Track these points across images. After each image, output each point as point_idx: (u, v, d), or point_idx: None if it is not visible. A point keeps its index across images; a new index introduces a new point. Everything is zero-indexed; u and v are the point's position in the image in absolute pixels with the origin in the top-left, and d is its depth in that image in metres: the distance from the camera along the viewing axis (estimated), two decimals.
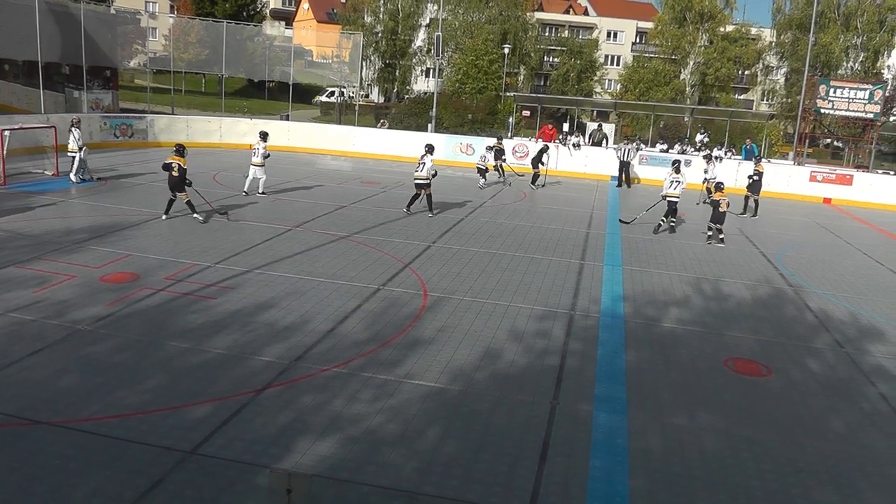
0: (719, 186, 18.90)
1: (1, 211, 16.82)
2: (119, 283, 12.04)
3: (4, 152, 20.47)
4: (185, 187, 16.87)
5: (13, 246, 13.99)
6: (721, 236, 18.44)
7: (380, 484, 6.67)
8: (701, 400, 9.04)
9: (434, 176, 19.33)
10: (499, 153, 28.11)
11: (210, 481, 6.50)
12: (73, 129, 21.11)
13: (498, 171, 28.02)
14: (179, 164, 16.79)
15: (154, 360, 9.06)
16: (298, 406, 8.02)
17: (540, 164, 27.17)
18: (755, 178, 23.68)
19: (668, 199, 19.46)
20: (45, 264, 12.84)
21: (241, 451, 7.01)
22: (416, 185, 19.45)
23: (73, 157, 21.01)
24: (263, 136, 20.95)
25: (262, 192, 20.73)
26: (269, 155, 20.84)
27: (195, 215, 16.98)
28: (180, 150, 17.13)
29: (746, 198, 23.92)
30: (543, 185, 27.53)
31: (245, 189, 20.76)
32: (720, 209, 18.47)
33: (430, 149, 19.72)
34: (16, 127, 21.98)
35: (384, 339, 10.20)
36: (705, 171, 26.30)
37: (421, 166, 19.29)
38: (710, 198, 19.53)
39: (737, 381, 9.76)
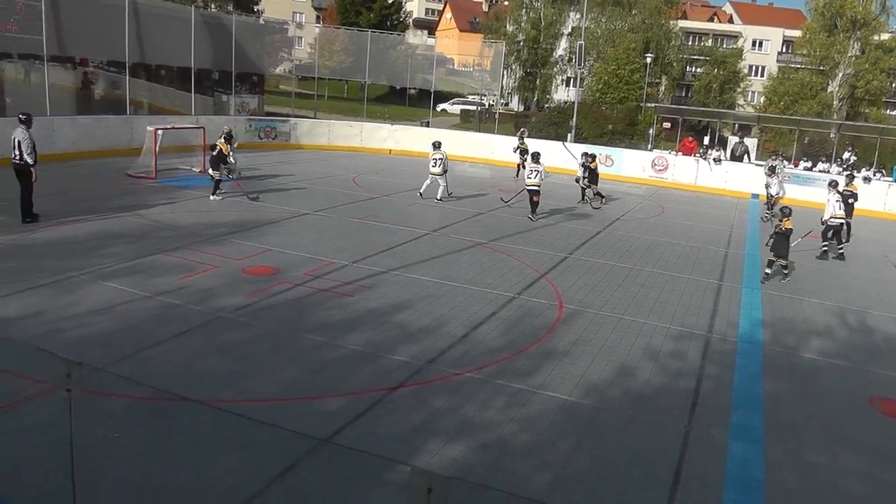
0: (786, 212, 15.89)
1: (151, 203, 17.84)
2: (259, 275, 12.48)
3: (157, 149, 21.63)
4: (220, 168, 19.19)
5: (161, 235, 14.82)
6: (786, 271, 15.88)
7: (513, 491, 6.56)
8: (842, 438, 8.44)
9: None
10: (523, 153, 27.67)
11: (341, 471, 6.59)
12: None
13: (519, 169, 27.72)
14: (221, 148, 19.17)
15: (290, 352, 9.31)
16: (430, 407, 8.03)
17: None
18: (850, 200, 20.45)
19: (830, 221, 18.40)
20: (190, 254, 13.49)
21: (373, 445, 7.06)
22: (531, 191, 19.88)
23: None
24: (437, 145, 21.38)
25: (440, 199, 21.25)
26: (446, 169, 21.51)
27: (212, 196, 19.05)
28: (228, 137, 19.69)
29: (847, 224, 20.00)
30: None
31: (420, 191, 21.60)
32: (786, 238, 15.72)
33: (537, 157, 20.17)
34: (168, 126, 23.18)
35: (518, 347, 10.11)
36: (767, 186, 24.61)
37: (535, 173, 19.71)
38: (773, 218, 16.68)
39: (883, 422, 9.05)
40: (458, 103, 58.21)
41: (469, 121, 51.50)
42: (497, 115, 41.34)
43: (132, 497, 6.14)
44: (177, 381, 8.11)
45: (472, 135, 37.46)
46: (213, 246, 14.23)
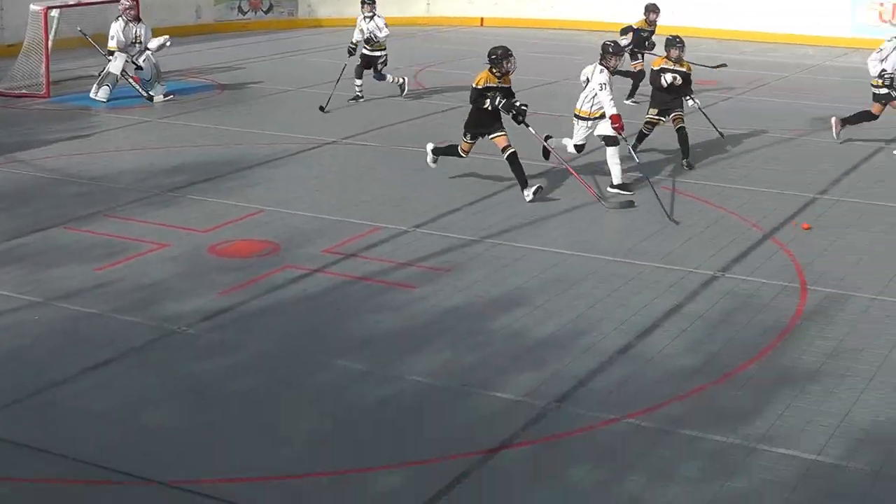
0: None
1: (42, 139, 18.50)
2: (243, 257, 12.79)
3: (49, 45, 22.01)
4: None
5: (63, 194, 15.34)
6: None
7: None
8: None
9: None
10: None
11: None
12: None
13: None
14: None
15: (303, 392, 9.34)
16: (561, 483, 7.78)
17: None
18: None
19: None
20: (114, 224, 13.86)
21: None
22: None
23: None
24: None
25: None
26: None
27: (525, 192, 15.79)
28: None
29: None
30: None
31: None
32: None
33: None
34: (69, 3, 23.47)
35: (723, 369, 9.92)
36: None
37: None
38: None
39: None
40: None
41: None
42: None
43: None
44: (98, 447, 8.11)
45: None
46: (158, 209, 14.60)
